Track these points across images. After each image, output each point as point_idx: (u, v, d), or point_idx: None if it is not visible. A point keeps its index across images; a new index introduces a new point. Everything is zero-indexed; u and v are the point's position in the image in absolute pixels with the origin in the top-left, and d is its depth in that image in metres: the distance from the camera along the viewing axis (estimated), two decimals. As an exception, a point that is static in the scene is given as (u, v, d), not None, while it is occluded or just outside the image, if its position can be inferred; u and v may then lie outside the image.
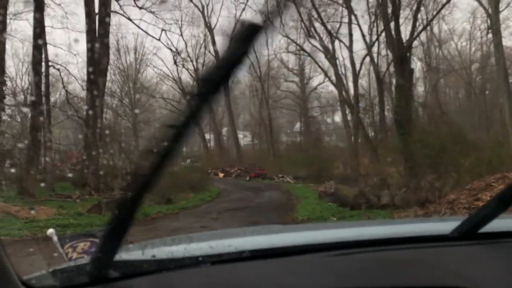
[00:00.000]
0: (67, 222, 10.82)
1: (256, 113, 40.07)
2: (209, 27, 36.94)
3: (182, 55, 33.50)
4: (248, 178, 28.52)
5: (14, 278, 0.84)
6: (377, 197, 12.93)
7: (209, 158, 35.49)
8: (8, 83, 24.58)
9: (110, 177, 18.17)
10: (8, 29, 18.81)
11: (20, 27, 38.89)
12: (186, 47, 37.02)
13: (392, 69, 21.62)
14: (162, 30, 27.03)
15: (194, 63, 37.88)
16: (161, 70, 40.19)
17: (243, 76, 44.72)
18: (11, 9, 18.96)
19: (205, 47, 38.23)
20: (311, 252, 1.13)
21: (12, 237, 9.07)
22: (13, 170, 20.25)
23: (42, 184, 17.19)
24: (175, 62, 33.24)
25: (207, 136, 41.25)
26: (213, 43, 37.16)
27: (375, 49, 24.94)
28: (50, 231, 2.02)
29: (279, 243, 1.18)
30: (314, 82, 39.91)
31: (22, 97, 27.91)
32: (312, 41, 28.24)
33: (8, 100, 24.66)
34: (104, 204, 13.28)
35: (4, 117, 22.90)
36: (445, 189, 11.93)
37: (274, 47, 36.05)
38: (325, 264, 1.09)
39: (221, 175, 30.93)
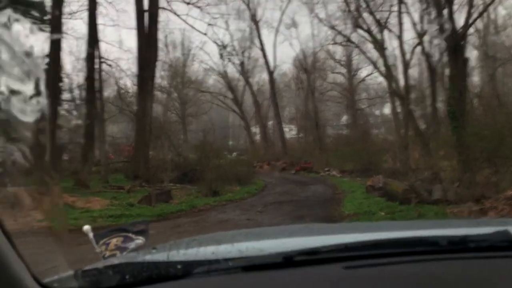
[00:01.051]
0: (119, 212, 11.28)
1: (302, 106, 39.70)
2: (254, 20, 36.96)
3: (228, 49, 33.77)
4: (293, 172, 28.40)
5: (29, 281, 0.80)
6: (428, 192, 12.43)
7: (255, 152, 35.67)
8: (65, 80, 25.97)
9: (159, 169, 18.75)
10: (65, 28, 19.78)
11: (75, 26, 40.88)
12: (232, 41, 37.27)
13: (445, 58, 20.60)
14: (209, 24, 27.33)
15: (240, 56, 38.10)
16: (207, 64, 40.69)
17: (288, 69, 44.42)
18: (66, 9, 19.90)
19: (251, 40, 38.30)
20: (350, 260, 1.02)
21: (68, 226, 9.60)
22: (70, 162, 21.41)
23: (96, 176, 17.97)
24: (221, 56, 33.62)
25: (253, 130, 41.44)
26: (259, 35, 37.19)
27: (426, 38, 23.87)
28: (86, 227, 2.05)
29: (316, 247, 1.06)
30: (362, 73, 38.92)
31: (78, 92, 29.37)
32: (360, 31, 27.48)
33: (65, 95, 26.08)
34: (154, 195, 13.74)
35: (62, 112, 24.24)
36: (503, 185, 11.25)
37: (320, 39, 35.49)
38: (366, 272, 0.99)
39: (266, 168, 31.00)
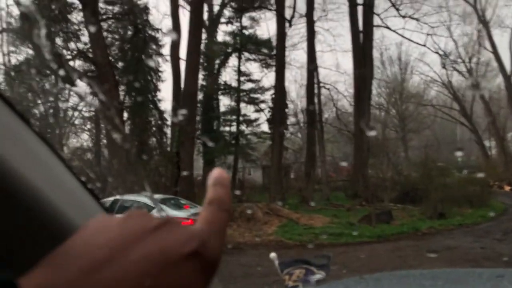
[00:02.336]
0: (339, 231, 11.55)
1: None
2: (483, 21, 32.73)
3: (451, 57, 30.87)
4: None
5: None
6: None
7: (491, 169, 30.92)
8: (290, 106, 28.66)
9: (379, 188, 18.37)
10: (288, 59, 21.95)
11: (297, 56, 44.85)
12: (456, 48, 33.90)
13: None
14: (427, 34, 25.69)
15: (467, 63, 34.22)
16: (428, 75, 38.07)
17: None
18: (289, 42, 22.09)
19: (479, 44, 33.97)
20: None
21: (294, 241, 10.40)
22: (295, 181, 23.27)
23: (318, 194, 18.95)
24: (443, 66, 31.00)
25: (486, 143, 36.26)
26: (490, 37, 32.69)
27: None
28: (273, 255, 2.15)
29: None
30: None
31: (301, 116, 31.92)
32: None
33: (290, 120, 28.77)
34: (374, 215, 13.51)
35: (288, 135, 26.74)
36: None
37: None
38: None
39: (507, 188, 26.47)
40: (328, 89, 24.93)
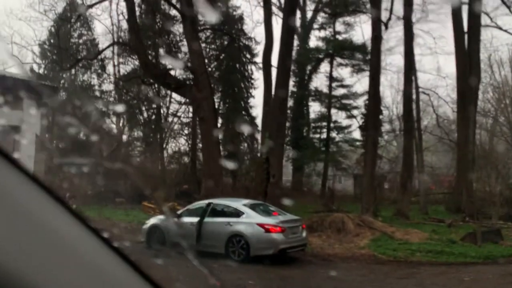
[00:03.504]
0: (439, 248, 10.61)
1: None
2: None
3: None
4: None
5: None
6: None
7: None
8: (385, 112, 27.36)
9: (486, 203, 16.72)
10: (383, 64, 21.00)
11: (393, 60, 43.05)
12: None
13: None
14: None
15: None
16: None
17: None
18: (384, 46, 21.14)
19: None
20: None
21: (387, 256, 9.75)
22: (390, 192, 22.10)
23: (415, 207, 17.76)
24: None
25: None
26: None
27: None
28: None
29: None
30: None
31: (397, 123, 30.34)
32: None
33: (385, 127, 27.43)
34: (479, 233, 12.24)
35: (382, 143, 25.52)
36: None
37: None
38: None
39: None
40: (428, 94, 23.35)
